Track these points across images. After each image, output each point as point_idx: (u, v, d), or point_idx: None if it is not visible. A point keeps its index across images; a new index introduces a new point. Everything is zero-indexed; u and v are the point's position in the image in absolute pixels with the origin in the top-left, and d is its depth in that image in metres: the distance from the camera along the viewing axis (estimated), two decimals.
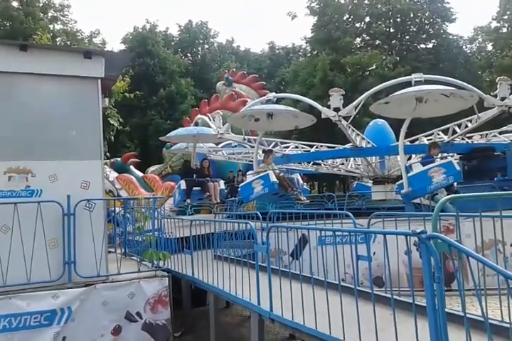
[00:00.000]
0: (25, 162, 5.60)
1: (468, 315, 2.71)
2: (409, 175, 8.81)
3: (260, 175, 9.80)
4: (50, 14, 36.81)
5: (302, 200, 10.20)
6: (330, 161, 14.98)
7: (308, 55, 40.92)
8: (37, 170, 5.63)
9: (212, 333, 6.07)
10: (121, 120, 16.88)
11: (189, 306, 7.74)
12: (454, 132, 11.69)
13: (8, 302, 5.05)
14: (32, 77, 5.84)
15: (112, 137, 16.50)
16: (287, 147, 14.30)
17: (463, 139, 12.50)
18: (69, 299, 5.33)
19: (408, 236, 3.01)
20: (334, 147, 14.05)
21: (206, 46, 53.33)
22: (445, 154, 11.43)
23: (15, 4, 33.74)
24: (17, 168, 5.55)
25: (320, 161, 15.00)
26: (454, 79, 9.84)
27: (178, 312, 6.66)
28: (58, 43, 32.77)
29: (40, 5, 35.51)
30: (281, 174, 10.11)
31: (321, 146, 14.37)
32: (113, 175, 18.02)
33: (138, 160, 22.60)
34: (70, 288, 5.43)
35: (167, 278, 6.10)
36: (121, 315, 5.65)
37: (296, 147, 14.48)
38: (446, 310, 2.79)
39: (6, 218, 5.26)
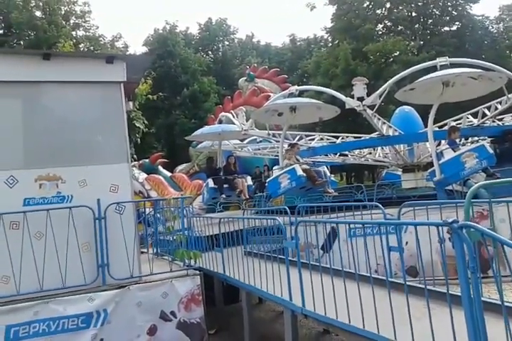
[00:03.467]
0: (54, 169, 5.67)
1: (506, 303, 2.62)
2: (440, 161, 8.60)
3: (286, 169, 9.76)
4: (72, 21, 37.30)
5: (330, 193, 10.13)
6: (357, 151, 14.78)
7: (330, 45, 40.35)
8: (66, 176, 5.70)
9: (246, 329, 6.07)
10: (146, 122, 17.11)
11: (222, 303, 7.77)
12: (484, 115, 11.34)
13: (45, 306, 5.15)
14: (56, 85, 5.93)
15: (139, 139, 16.76)
16: (312, 139, 14.18)
17: (493, 122, 12.11)
18: (104, 301, 5.41)
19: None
20: (360, 137, 13.85)
21: (226, 43, 53.24)
22: (476, 138, 11.12)
23: (38, 14, 34.43)
24: (47, 175, 5.63)
25: (347, 152, 14.82)
26: (481, 61, 9.56)
27: (211, 310, 6.69)
28: (81, 49, 33.20)
29: (62, 13, 36.07)
30: (308, 167, 10.03)
31: (347, 137, 14.18)
32: (142, 176, 18.30)
33: (166, 160, 22.82)
34: (105, 290, 5.50)
35: (199, 277, 6.13)
36: (156, 315, 5.70)
37: (322, 139, 14.34)
38: (482, 298, 2.70)
39: (40, 225, 5.34)
